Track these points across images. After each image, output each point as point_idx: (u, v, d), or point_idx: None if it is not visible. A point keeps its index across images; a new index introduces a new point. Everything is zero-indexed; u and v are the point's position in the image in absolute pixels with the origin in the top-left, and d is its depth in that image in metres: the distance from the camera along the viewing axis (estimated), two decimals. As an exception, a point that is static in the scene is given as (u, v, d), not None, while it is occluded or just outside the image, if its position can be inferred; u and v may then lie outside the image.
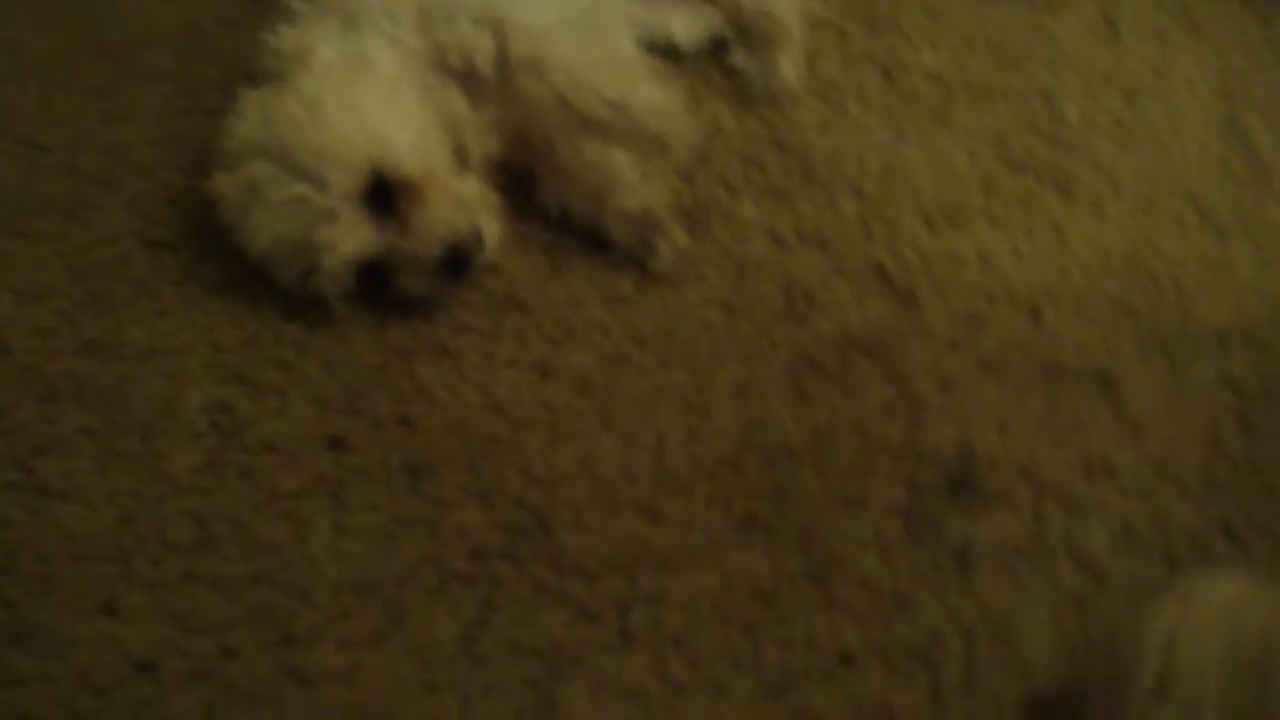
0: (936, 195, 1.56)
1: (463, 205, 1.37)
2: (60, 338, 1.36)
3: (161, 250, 1.44)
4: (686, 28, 1.67)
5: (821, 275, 1.47)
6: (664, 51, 1.64)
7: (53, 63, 1.63)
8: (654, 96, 1.44)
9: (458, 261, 1.36)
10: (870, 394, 1.37)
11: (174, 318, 1.38)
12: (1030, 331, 1.44)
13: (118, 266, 1.42)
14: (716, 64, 1.68)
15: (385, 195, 1.33)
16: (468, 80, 1.43)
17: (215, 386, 1.32)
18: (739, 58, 1.67)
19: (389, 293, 1.38)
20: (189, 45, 1.67)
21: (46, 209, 1.47)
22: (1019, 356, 1.42)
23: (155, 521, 1.22)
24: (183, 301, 1.40)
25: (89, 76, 1.62)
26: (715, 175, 1.56)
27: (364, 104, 1.34)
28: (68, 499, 1.23)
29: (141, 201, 1.49)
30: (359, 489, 1.25)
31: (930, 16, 1.79)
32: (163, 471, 1.25)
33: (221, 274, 1.41)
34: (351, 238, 1.32)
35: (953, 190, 1.57)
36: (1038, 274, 1.50)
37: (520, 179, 1.49)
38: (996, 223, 1.55)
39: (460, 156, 1.42)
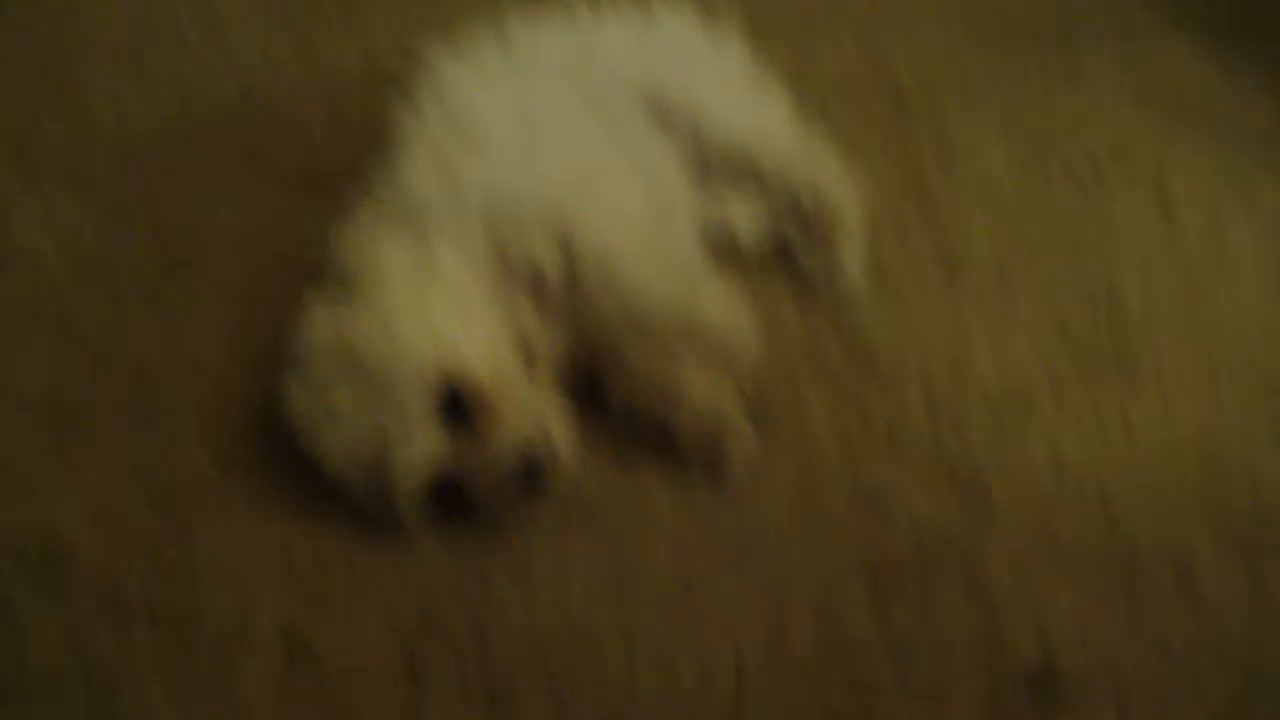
0: (1002, 386, 1.56)
1: (536, 415, 1.37)
2: (133, 558, 1.35)
3: (232, 460, 1.44)
4: (749, 224, 1.69)
5: (891, 473, 1.46)
6: (727, 245, 1.66)
7: (121, 270, 1.66)
8: (718, 309, 1.45)
9: (533, 474, 1.35)
10: (945, 591, 1.35)
11: (245, 533, 1.37)
12: (1102, 522, 1.43)
13: (187, 478, 1.42)
14: (779, 257, 1.70)
15: (458, 407, 1.33)
16: (535, 284, 1.45)
17: (289, 610, 1.31)
18: (801, 252, 1.68)
19: (463, 506, 1.37)
20: (253, 247, 1.69)
21: (117, 418, 1.48)
22: (1092, 548, 1.41)
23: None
24: (255, 515, 1.39)
25: (156, 284, 1.64)
26: (781, 374, 1.55)
27: (435, 314, 1.35)
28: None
29: (211, 410, 1.49)
30: (441, 715, 1.24)
31: (985, 201, 1.80)
32: (237, 700, 1.24)
33: (292, 485, 1.41)
34: (424, 452, 1.32)
35: (1018, 381, 1.57)
36: (1106, 463, 1.48)
37: (588, 380, 1.50)
38: (1063, 411, 1.54)
39: (530, 361, 1.43)
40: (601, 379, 1.49)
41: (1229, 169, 1.87)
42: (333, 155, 1.80)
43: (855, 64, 2.06)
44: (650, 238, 1.49)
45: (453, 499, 1.36)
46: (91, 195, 1.76)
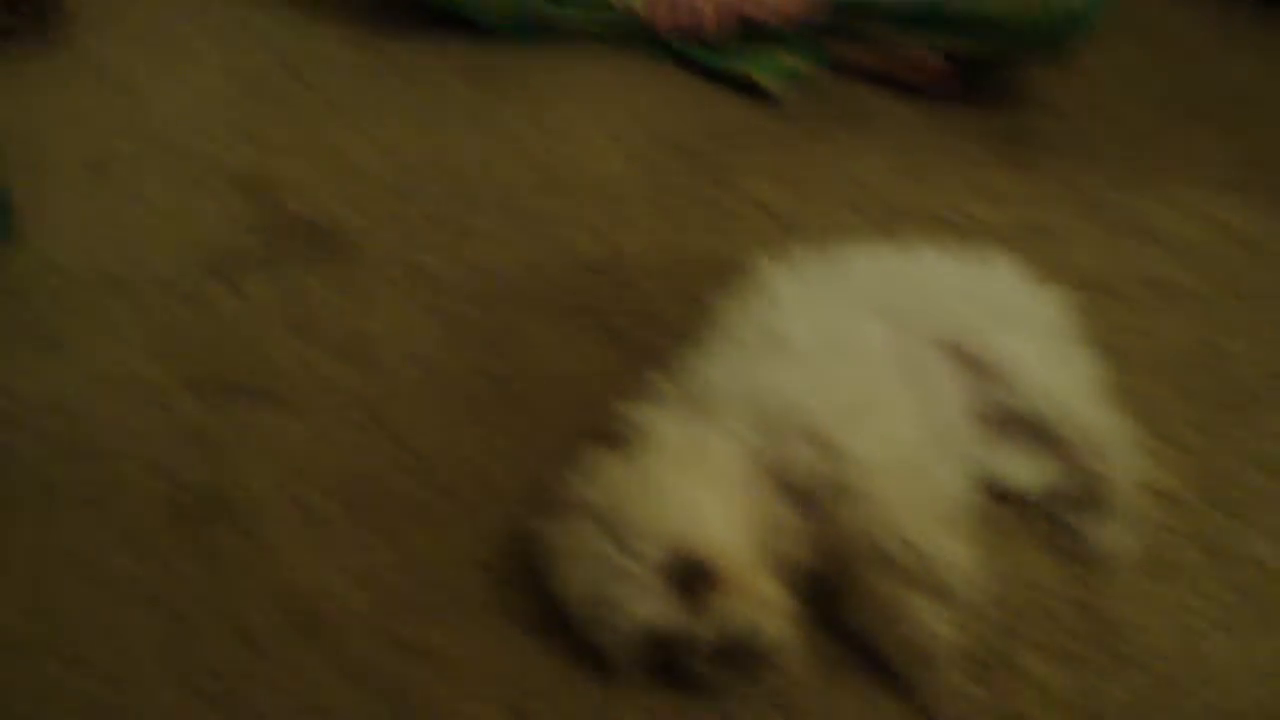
0: (1232, 691, 1.52)
1: (761, 604, 1.45)
2: (377, 627, 1.51)
3: (481, 572, 1.58)
4: (1026, 474, 1.72)
5: (1096, 751, 1.45)
6: (996, 494, 1.69)
7: (454, 382, 1.85)
8: (954, 551, 1.49)
9: (740, 655, 1.43)
10: None
11: (481, 642, 1.51)
12: None
13: (450, 581, 1.57)
14: (1043, 514, 1.72)
15: (689, 577, 1.43)
16: (794, 489, 1.53)
17: (496, 714, 1.43)
18: (1069, 513, 1.70)
19: (671, 670, 1.46)
20: (574, 394, 1.85)
21: (406, 512, 1.65)
22: None
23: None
24: (494, 630, 1.52)
25: (480, 402, 1.82)
26: (1011, 626, 1.57)
27: (691, 489, 1.46)
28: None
29: (483, 526, 1.64)
30: None
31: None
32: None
33: (531, 611, 1.54)
34: (647, 605, 1.42)
35: (1255, 692, 1.52)
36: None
37: (825, 590, 1.56)
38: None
39: (771, 559, 1.51)
40: (836, 591, 1.56)
41: None
42: (670, 330, 1.94)
43: (1194, 345, 2.05)
44: (917, 459, 1.56)
45: (664, 660, 1.45)
46: (445, 309, 1.98)
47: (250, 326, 1.90)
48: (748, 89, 2.58)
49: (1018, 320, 1.75)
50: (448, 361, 1.88)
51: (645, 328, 1.97)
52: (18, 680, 1.41)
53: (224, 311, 1.91)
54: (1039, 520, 1.71)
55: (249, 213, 2.11)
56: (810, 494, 1.52)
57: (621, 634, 1.43)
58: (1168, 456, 1.80)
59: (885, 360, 1.64)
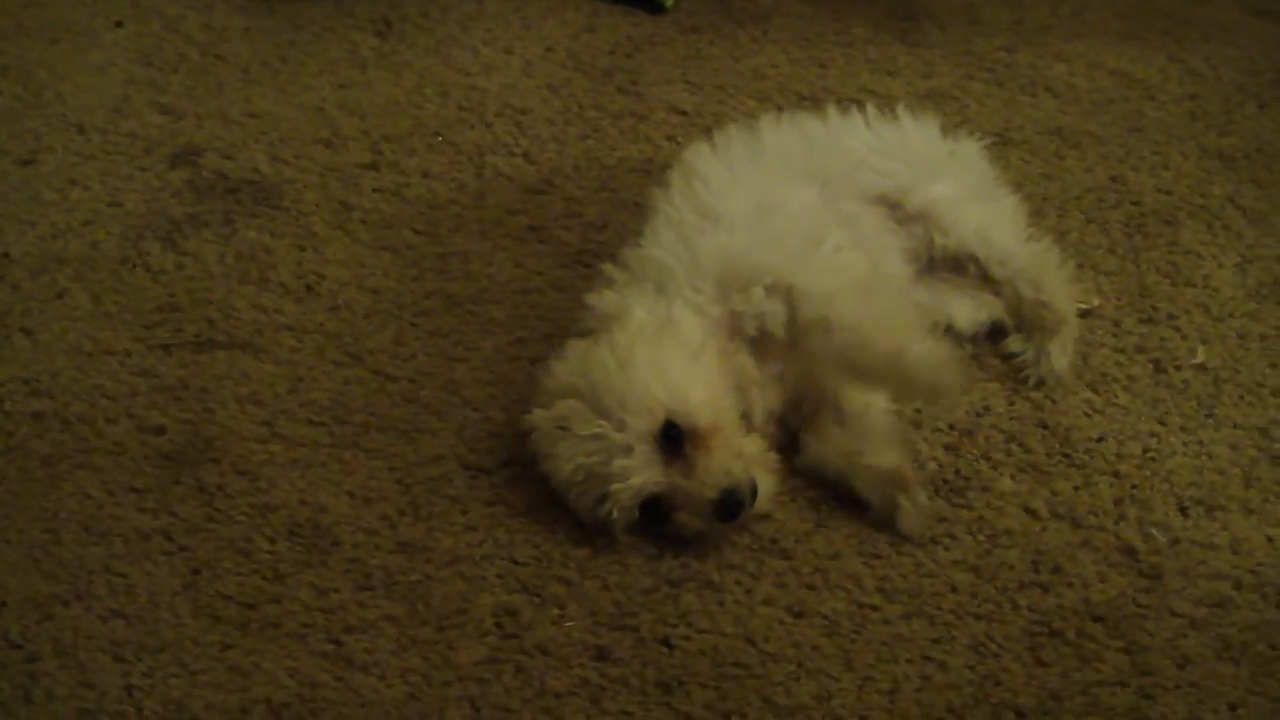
0: (1194, 482, 1.64)
1: (743, 458, 1.54)
2: (381, 536, 1.58)
3: (477, 473, 1.66)
4: (967, 313, 1.82)
5: (1069, 549, 1.56)
6: (942, 333, 1.79)
7: (408, 307, 1.91)
8: (927, 349, 1.57)
9: (730, 507, 1.51)
10: (1104, 664, 1.43)
11: (480, 532, 1.58)
12: (1278, 620, 1.48)
13: (439, 483, 1.64)
14: (991, 348, 1.83)
15: (675, 439, 1.52)
16: (758, 341, 1.62)
17: (505, 593, 1.51)
18: (1014, 343, 1.80)
19: (667, 527, 1.55)
20: (523, 302, 1.93)
21: (386, 429, 1.72)
22: (1262, 643, 1.46)
23: (438, 702, 1.39)
24: (489, 519, 1.60)
25: (437, 321, 1.89)
26: (979, 450, 1.68)
27: (667, 360, 1.54)
28: (368, 672, 1.42)
29: (467, 430, 1.72)
30: (617, 696, 1.40)
31: (1207, 313, 1.89)
32: (450, 660, 1.43)
33: (526, 499, 1.62)
34: (641, 472, 1.51)
35: (1211, 479, 1.65)
36: (1288, 567, 1.55)
37: (794, 438, 1.66)
38: (1253, 513, 1.61)
39: (747, 415, 1.60)
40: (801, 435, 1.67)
41: None
42: (605, 234, 2.04)
43: (1101, 181, 2.16)
44: (868, 288, 1.66)
45: (660, 520, 1.54)
46: (391, 242, 2.04)
47: (203, 282, 1.94)
48: (641, 2, 2.66)
49: (939, 169, 1.84)
50: (403, 291, 1.93)
51: (588, 234, 2.05)
52: (51, 636, 1.46)
53: (174, 273, 1.95)
54: (987, 354, 1.82)
55: (178, 179, 2.15)
56: (778, 338, 1.61)
57: (620, 502, 1.51)
58: (1093, 282, 1.92)
59: (820, 213, 1.73)
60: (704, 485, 1.51)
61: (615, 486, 1.50)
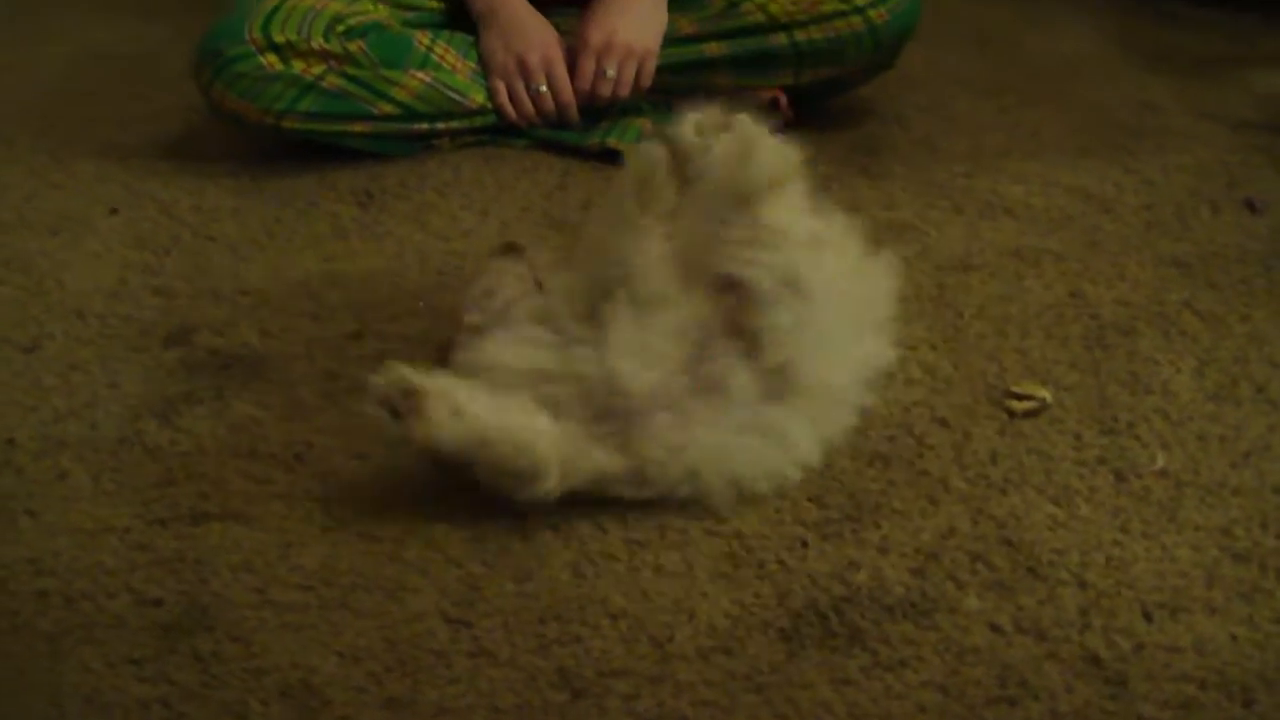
0: (1157, 586, 1.68)
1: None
2: (369, 694, 1.61)
3: (460, 626, 1.70)
4: None
5: (1035, 661, 1.58)
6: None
7: (393, 470, 1.97)
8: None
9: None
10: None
11: (463, 684, 1.62)
12: (1244, 718, 1.51)
13: (423, 638, 1.69)
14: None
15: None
16: None
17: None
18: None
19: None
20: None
21: (372, 589, 1.77)
22: (1235, 753, 1.49)
23: None
24: (471, 670, 1.64)
25: (420, 481, 1.94)
26: (944, 571, 1.72)
27: None
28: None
29: (450, 589, 1.76)
30: None
31: (1166, 418, 1.95)
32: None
33: (508, 649, 1.66)
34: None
35: (1174, 582, 1.68)
36: (1255, 661, 1.57)
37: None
38: (1216, 612, 1.64)
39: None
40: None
41: None
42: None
43: (1061, 298, 2.24)
44: None
45: None
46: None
47: (197, 457, 2.01)
48: (607, 155, 2.79)
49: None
50: (389, 454, 2.00)
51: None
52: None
53: (169, 450, 2.03)
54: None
55: (172, 359, 2.24)
56: None
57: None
58: (1055, 397, 1.98)
59: None
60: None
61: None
